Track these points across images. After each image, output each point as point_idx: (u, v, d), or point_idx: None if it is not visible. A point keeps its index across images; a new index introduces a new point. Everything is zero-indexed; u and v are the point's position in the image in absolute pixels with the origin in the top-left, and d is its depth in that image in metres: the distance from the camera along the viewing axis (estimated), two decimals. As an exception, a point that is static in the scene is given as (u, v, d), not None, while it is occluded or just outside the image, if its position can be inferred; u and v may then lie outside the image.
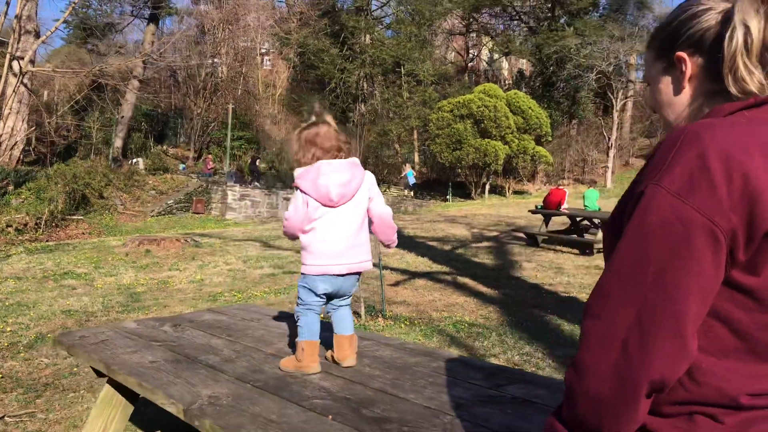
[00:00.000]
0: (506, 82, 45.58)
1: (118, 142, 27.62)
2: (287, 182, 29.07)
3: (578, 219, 12.93)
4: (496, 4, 40.95)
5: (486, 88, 30.53)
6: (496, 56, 47.56)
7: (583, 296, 7.79)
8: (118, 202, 21.25)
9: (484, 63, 50.49)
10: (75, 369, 5.01)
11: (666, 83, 1.14)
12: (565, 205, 13.19)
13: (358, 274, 2.42)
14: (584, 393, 0.99)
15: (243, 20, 35.46)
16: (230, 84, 35.32)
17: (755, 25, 1.00)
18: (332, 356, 2.41)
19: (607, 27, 35.69)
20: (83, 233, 18.21)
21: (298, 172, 2.37)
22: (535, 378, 2.15)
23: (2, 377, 4.81)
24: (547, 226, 13.11)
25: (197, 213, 21.72)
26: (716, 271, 0.94)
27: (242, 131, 33.20)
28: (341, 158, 2.38)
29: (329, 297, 2.41)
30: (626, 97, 38.60)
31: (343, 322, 2.42)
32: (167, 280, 9.26)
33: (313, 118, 2.44)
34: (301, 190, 2.33)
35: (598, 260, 10.64)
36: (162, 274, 9.82)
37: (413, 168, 32.67)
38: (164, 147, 32.50)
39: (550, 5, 39.81)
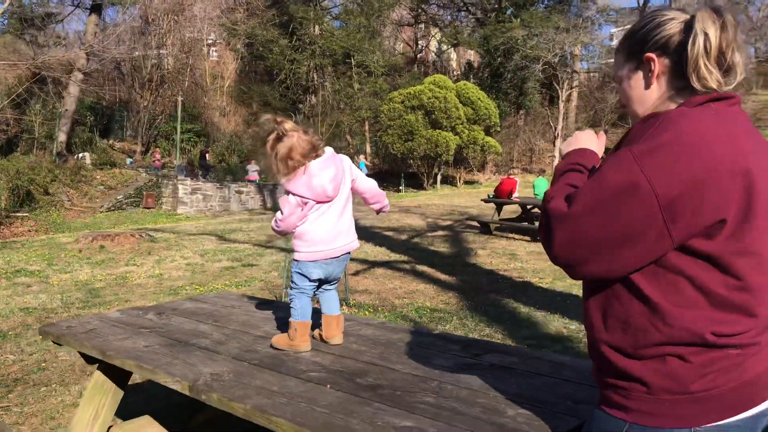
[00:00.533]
0: (455, 73, 46.10)
1: (62, 137, 26.82)
2: (238, 175, 28.80)
3: (529, 207, 13.33)
4: (444, -5, 41.41)
5: (436, 80, 30.87)
6: (444, 47, 48.04)
7: (536, 280, 8.12)
8: (65, 198, 20.73)
9: (433, 54, 50.93)
10: (43, 364, 5.02)
11: (636, 80, 1.35)
12: (516, 194, 13.59)
13: (348, 254, 2.58)
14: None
15: (189, 11, 34.82)
16: (177, 76, 34.68)
17: (713, 33, 1.22)
18: (320, 335, 2.57)
19: (553, 18, 36.48)
20: (29, 230, 17.75)
21: (285, 179, 2.48)
22: (507, 348, 2.36)
23: (-32, 375, 4.79)
24: (499, 214, 13.49)
25: (148, 208, 21.37)
26: (647, 224, 1.15)
27: (191, 124, 32.68)
28: (321, 155, 2.52)
29: (320, 282, 2.57)
30: (571, 88, 39.60)
31: (331, 303, 2.59)
32: (125, 276, 9.20)
33: (273, 133, 2.50)
34: (297, 195, 2.45)
35: (549, 246, 11.05)
36: (119, 270, 9.73)
37: (366, 159, 32.83)
38: (110, 141, 31.74)
39: (497, -3, 40.45)
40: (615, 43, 44.99)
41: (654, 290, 1.20)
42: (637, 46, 1.35)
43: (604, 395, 1.32)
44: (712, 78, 1.24)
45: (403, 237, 12.66)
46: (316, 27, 36.20)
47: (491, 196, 14.10)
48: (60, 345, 2.87)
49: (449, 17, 46.31)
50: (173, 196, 21.63)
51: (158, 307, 3.30)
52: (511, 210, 15.59)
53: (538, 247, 11.10)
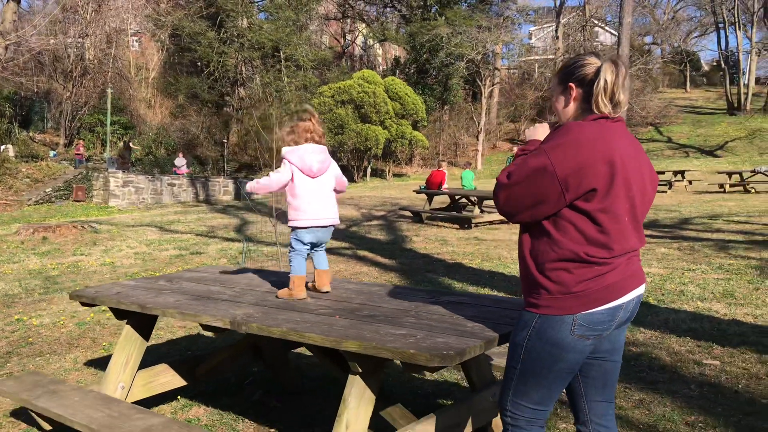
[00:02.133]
0: (381, 68, 47.03)
1: (-21, 128, 26.03)
2: (166, 168, 28.66)
3: (457, 197, 14.32)
4: (371, -9, 42.16)
5: (365, 75, 31.64)
6: (370, 42, 48.87)
7: (467, 261, 9.03)
8: (-11, 191, 20.27)
9: (359, 49, 51.65)
10: (29, 339, 5.47)
11: (561, 99, 2.17)
12: (445, 185, 14.55)
13: (333, 226, 3.33)
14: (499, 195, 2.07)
15: (113, 1, 34.10)
16: (100, 66, 33.94)
17: (609, 79, 2.03)
18: (313, 285, 3.31)
19: (476, 17, 37.95)
20: (-46, 224, 17.34)
21: (286, 149, 3.24)
22: (460, 293, 3.14)
23: (-41, 351, 5.19)
24: (430, 204, 14.42)
25: (78, 201, 21.16)
26: (551, 196, 1.97)
27: (116, 116, 32.15)
28: (321, 144, 3.30)
29: (312, 245, 3.31)
30: (493, 84, 41.28)
31: (321, 260, 3.34)
32: (77, 264, 9.51)
33: (305, 114, 3.30)
34: (291, 162, 3.19)
35: (476, 233, 12.01)
36: (68, 259, 10.00)
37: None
38: (31, 133, 30.85)
39: (422, -6, 41.57)
40: (533, 41, 46.85)
41: (554, 230, 2.02)
42: (566, 76, 2.16)
43: (526, 300, 2.13)
44: (605, 108, 2.06)
45: (341, 226, 13.38)
46: (245, 20, 36.22)
47: (422, 188, 15.02)
48: (91, 306, 3.46)
49: (375, 13, 47.17)
50: (104, 189, 21.49)
51: (165, 276, 3.90)
52: (440, 200, 16.58)
53: (465, 233, 12.07)
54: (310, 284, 3.34)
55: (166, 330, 5.61)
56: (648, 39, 54.27)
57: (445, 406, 2.83)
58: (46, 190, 20.90)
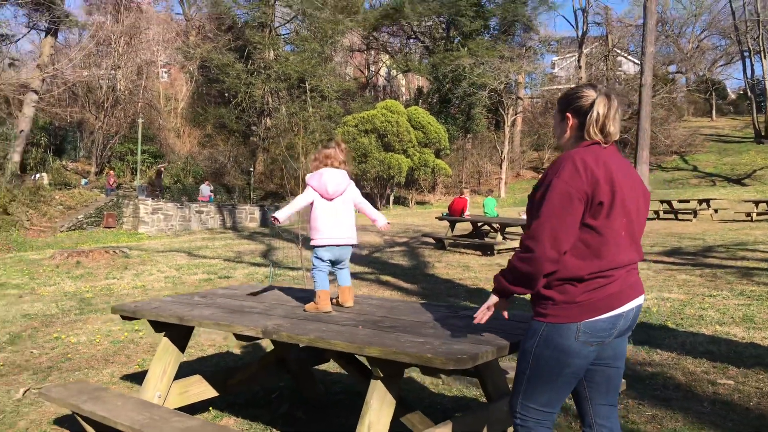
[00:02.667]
0: (404, 98, 47.66)
1: (15, 157, 26.84)
2: (193, 196, 29.26)
3: (479, 224, 14.48)
4: (394, 23, 42.95)
5: (388, 104, 32.13)
6: (394, 73, 49.61)
7: (489, 286, 9.17)
8: (25, 217, 20.91)
9: (383, 79, 52.43)
10: (68, 356, 5.74)
11: (561, 127, 2.38)
12: (467, 212, 14.74)
13: (350, 246, 3.57)
14: (521, 270, 2.20)
15: (144, 34, 35.24)
16: (131, 97, 34.95)
17: (602, 111, 2.25)
18: (337, 301, 3.53)
19: (498, 48, 38.43)
20: (-9, 250, 17.92)
21: (309, 175, 3.52)
22: (477, 309, 3.33)
23: (2, 365, 5.47)
24: (452, 231, 14.60)
25: (108, 227, 21.71)
26: (580, 214, 2.16)
27: (146, 145, 32.98)
28: (341, 168, 3.56)
29: (332, 262, 3.55)
30: (516, 113, 41.56)
31: (344, 278, 3.57)
32: (110, 287, 9.83)
33: (331, 143, 3.58)
34: (311, 186, 3.49)
35: (499, 259, 12.14)
36: (101, 283, 10.35)
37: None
38: (63, 162, 31.76)
39: (445, 26, 42.25)
40: (556, 70, 47.11)
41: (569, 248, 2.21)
42: (565, 105, 2.38)
43: (534, 311, 2.32)
44: (596, 136, 2.27)
45: (364, 252, 13.60)
46: (271, 52, 37.12)
47: (445, 215, 15.21)
48: (131, 319, 3.71)
49: (399, 44, 47.98)
50: (134, 216, 22.03)
51: (199, 293, 4.15)
52: (462, 227, 16.74)
53: (488, 260, 12.20)
54: (334, 300, 3.56)
55: (197, 348, 5.85)
56: (672, 68, 54.26)
57: (462, 414, 3.00)
58: (78, 217, 21.50)
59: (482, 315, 2.43)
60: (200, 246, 16.20)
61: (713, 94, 51.76)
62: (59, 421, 4.06)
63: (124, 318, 3.78)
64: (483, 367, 3.05)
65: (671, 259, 10.94)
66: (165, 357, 3.59)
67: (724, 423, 3.56)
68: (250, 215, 26.40)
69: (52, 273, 11.28)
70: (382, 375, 2.56)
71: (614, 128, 2.27)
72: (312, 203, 3.53)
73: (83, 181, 28.91)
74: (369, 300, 3.74)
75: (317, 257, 3.52)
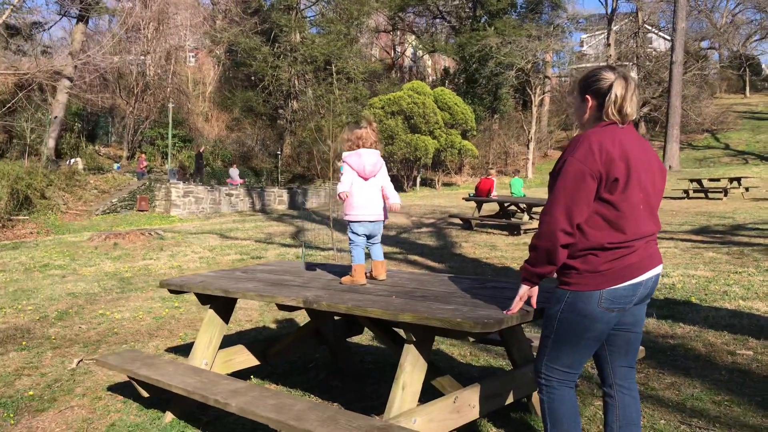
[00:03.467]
0: (431, 78, 47.51)
1: (50, 143, 27.53)
2: (222, 179, 29.70)
3: (506, 204, 14.58)
4: (420, 3, 42.72)
5: (414, 86, 32.14)
6: (420, 54, 49.44)
7: (515, 265, 9.32)
8: (61, 201, 21.52)
9: (409, 60, 52.27)
10: (115, 330, 6.08)
11: (580, 107, 2.53)
12: (494, 193, 14.84)
13: (382, 221, 3.77)
14: (540, 245, 2.37)
15: (172, 19, 35.63)
16: (160, 82, 35.46)
17: (620, 93, 2.40)
18: (371, 274, 3.75)
19: (525, 26, 38.06)
20: (31, 233, 18.54)
21: (346, 153, 3.72)
22: (503, 280, 3.51)
23: (54, 338, 5.82)
24: (479, 211, 14.72)
25: (141, 210, 22.24)
26: (593, 190, 2.33)
27: (176, 129, 33.50)
28: (374, 149, 3.75)
29: (367, 237, 3.76)
30: (543, 93, 41.18)
31: (377, 253, 3.78)
32: (147, 267, 10.21)
33: (363, 122, 3.78)
34: (349, 165, 3.68)
35: (526, 239, 12.25)
36: (138, 263, 10.73)
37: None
38: (96, 147, 32.44)
39: (471, 5, 41.91)
40: (585, 48, 46.30)
41: (584, 223, 2.38)
42: (584, 87, 2.53)
43: (559, 279, 2.49)
44: (615, 118, 2.42)
45: (392, 233, 13.82)
46: (297, 34, 37.27)
47: (471, 195, 15.33)
48: (179, 293, 3.98)
49: (425, 24, 47.75)
50: (166, 199, 22.52)
51: (240, 269, 4.40)
52: (488, 208, 16.84)
53: (514, 239, 12.33)
54: (368, 273, 3.77)
55: (235, 323, 6.13)
56: (705, 44, 53.12)
57: (489, 377, 3.21)
58: (113, 201, 22.05)
59: (516, 306, 2.60)
60: (231, 228, 16.58)
61: (747, 70, 50.62)
62: (112, 388, 4.37)
63: (171, 292, 4.04)
64: (508, 335, 3.25)
65: (699, 237, 10.96)
66: (211, 328, 3.85)
67: (741, 389, 3.71)
68: (278, 198, 26.77)
69: (92, 254, 11.71)
70: (414, 339, 2.77)
71: (631, 109, 2.42)
72: None
73: (115, 165, 29.52)
74: (400, 274, 3.95)
75: (354, 232, 3.73)
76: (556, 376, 2.51)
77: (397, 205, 3.86)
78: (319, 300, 3.08)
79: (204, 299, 3.86)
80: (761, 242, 10.11)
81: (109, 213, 21.63)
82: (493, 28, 37.61)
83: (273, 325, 6.06)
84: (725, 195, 19.79)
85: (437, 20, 46.27)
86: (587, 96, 2.50)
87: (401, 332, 4.05)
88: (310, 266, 4.42)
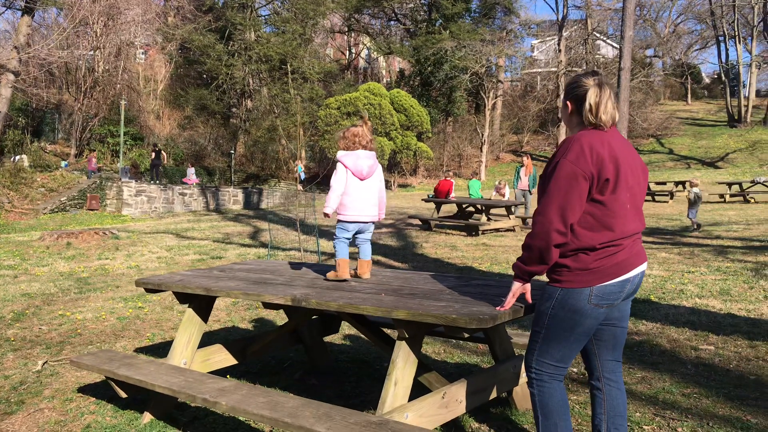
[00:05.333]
0: (386, 80, 47.67)
1: (-7, 139, 26.56)
2: (174, 178, 29.15)
3: (464, 206, 14.78)
4: (376, 5, 42.83)
5: (371, 87, 32.22)
6: (374, 55, 49.53)
7: (476, 264, 9.46)
8: (6, 199, 20.77)
9: (364, 61, 52.33)
10: (78, 331, 5.92)
11: (565, 112, 2.62)
12: (452, 194, 15.02)
13: (373, 222, 3.78)
14: (534, 244, 2.45)
15: (124, 14, 34.75)
16: (109, 79, 34.53)
17: (593, 101, 2.49)
18: (355, 272, 3.76)
19: (479, 31, 38.60)
20: (-27, 232, 17.81)
21: (341, 153, 3.70)
22: (486, 278, 3.59)
23: (13, 340, 5.63)
24: (438, 212, 14.88)
25: (92, 209, 21.65)
26: (586, 191, 2.42)
27: (126, 127, 32.70)
28: (370, 149, 3.76)
29: (354, 236, 3.77)
30: (496, 97, 41.84)
31: (365, 251, 3.78)
32: (104, 267, 9.96)
33: (359, 121, 3.78)
34: (345, 165, 3.65)
35: (484, 239, 12.45)
36: (94, 263, 10.46)
37: (302, 163, 33.78)
38: (42, 144, 31.40)
39: (427, 8, 42.25)
40: (536, 54, 47.28)
41: (575, 223, 2.47)
42: (567, 93, 2.62)
43: (549, 277, 2.57)
44: (591, 121, 2.52)
45: (352, 233, 13.84)
46: (252, 33, 36.88)
47: (431, 196, 15.47)
48: (156, 292, 3.91)
49: (379, 27, 47.87)
50: (118, 198, 21.98)
51: (217, 268, 4.36)
52: (446, 209, 17.04)
53: (473, 240, 12.51)
54: (351, 272, 3.79)
55: (203, 323, 6.04)
56: (649, 52, 54.89)
57: (474, 373, 3.27)
58: (61, 200, 21.39)
59: (508, 302, 2.67)
60: (187, 228, 16.31)
61: (689, 78, 52.56)
62: (82, 390, 4.26)
63: (148, 291, 3.98)
64: (492, 331, 3.32)
65: (651, 239, 11.34)
66: (190, 327, 3.81)
67: (708, 382, 3.88)
68: (233, 197, 26.44)
69: (44, 254, 11.35)
70: (407, 336, 2.81)
71: (605, 116, 2.51)
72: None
73: (63, 163, 28.63)
74: (383, 271, 3.99)
75: (343, 229, 3.73)
76: (546, 370, 2.58)
77: (380, 218, 3.90)
78: (308, 298, 3.09)
79: (183, 298, 3.81)
80: (709, 243, 10.53)
81: (57, 212, 20.97)
82: (448, 31, 38.01)
83: (242, 325, 6.00)
84: (671, 198, 20.53)
85: (392, 22, 46.47)
86: (568, 102, 2.60)
87: (387, 330, 4.10)
88: (292, 265, 4.41)
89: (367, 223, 3.74)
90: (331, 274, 3.68)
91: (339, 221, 3.73)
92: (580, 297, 2.47)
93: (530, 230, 2.50)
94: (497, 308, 2.69)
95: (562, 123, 40.89)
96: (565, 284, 2.49)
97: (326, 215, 3.69)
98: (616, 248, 2.47)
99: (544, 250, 2.45)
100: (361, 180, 3.68)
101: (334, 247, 3.75)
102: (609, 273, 2.46)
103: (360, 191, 3.68)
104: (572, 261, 2.48)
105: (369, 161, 3.71)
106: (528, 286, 2.65)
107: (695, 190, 12.62)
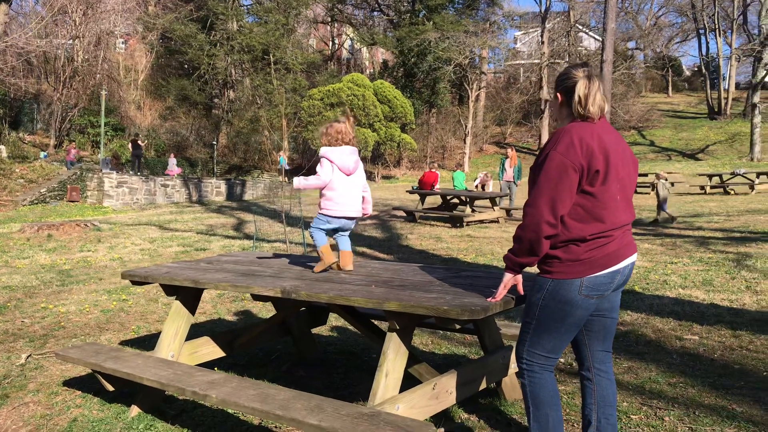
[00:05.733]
0: (369, 71, 47.52)
1: (-30, 129, 26.10)
2: (156, 169, 28.88)
3: (449, 197, 14.80)
4: (359, -4, 42.65)
5: (354, 78, 32.09)
6: (357, 46, 49.34)
7: (462, 256, 9.49)
8: (-16, 191, 20.44)
9: (347, 52, 52.11)
10: (61, 324, 5.85)
11: (554, 104, 2.62)
12: (437, 186, 15.04)
13: (356, 218, 3.78)
14: (524, 236, 2.45)
15: (104, 3, 34.24)
16: (89, 68, 34.03)
17: (582, 93, 2.49)
18: (338, 265, 3.75)
19: (462, 22, 38.57)
20: (-49, 224, 17.52)
21: (326, 149, 3.68)
22: (476, 270, 3.59)
23: (-4, 334, 5.56)
24: (423, 204, 14.89)
25: (72, 201, 21.39)
26: (576, 183, 2.42)
27: (106, 117, 32.29)
28: (353, 145, 3.75)
29: (335, 230, 3.76)
30: (480, 88, 41.92)
31: (345, 243, 3.77)
32: (87, 260, 9.85)
33: (342, 117, 3.76)
34: (331, 161, 3.63)
35: (469, 231, 12.49)
36: (76, 255, 10.34)
37: (285, 155, 33.61)
38: (20, 134, 30.90)
39: (410, -1, 42.13)
40: (519, 46, 47.35)
41: (566, 215, 2.47)
42: (557, 85, 2.62)
43: (540, 268, 2.58)
44: (580, 113, 2.52)
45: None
46: (234, 23, 36.54)
47: (415, 188, 15.47)
48: (142, 284, 3.88)
49: (363, 17, 47.67)
50: (99, 189, 21.73)
51: (203, 260, 4.32)
52: (431, 200, 17.06)
53: (458, 231, 12.54)
54: (335, 265, 3.77)
55: (189, 315, 6.00)
56: (631, 44, 55.23)
57: (464, 364, 3.28)
58: (41, 191, 21.10)
59: (500, 293, 2.67)
60: (170, 219, 16.18)
61: (669, 70, 52.98)
62: (68, 383, 4.22)
63: (134, 283, 3.94)
64: (482, 322, 3.33)
65: (633, 230, 11.44)
66: (177, 319, 3.78)
67: (693, 372, 3.93)
68: (216, 189, 26.26)
69: (24, 246, 11.20)
70: (398, 327, 2.81)
71: (594, 108, 2.52)
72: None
73: (42, 154, 28.21)
74: (371, 263, 3.98)
75: (325, 221, 3.70)
76: (537, 360, 2.59)
77: (369, 212, 3.91)
78: (298, 290, 3.07)
79: (170, 290, 3.78)
80: (690, 234, 10.65)
81: (37, 203, 20.69)
82: (431, 22, 37.95)
83: (228, 317, 5.97)
84: (653, 189, 20.70)
85: (376, 13, 46.30)
86: (558, 93, 2.60)
87: (376, 322, 4.09)
88: (277, 257, 4.39)
89: (352, 219, 3.74)
90: (318, 267, 3.66)
91: (323, 215, 3.71)
92: (570, 288, 2.48)
93: (519, 222, 2.51)
94: (489, 299, 2.69)
95: (545, 115, 41.27)
96: (556, 275, 2.50)
97: (295, 187, 3.73)
98: (606, 239, 2.48)
99: (535, 242, 2.46)
100: (348, 176, 3.68)
101: (312, 236, 3.74)
102: (600, 264, 2.48)
103: (347, 187, 3.69)
104: (563, 252, 2.49)
105: (354, 156, 3.74)
106: (519, 277, 2.66)
107: (663, 182, 12.77)
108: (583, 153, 2.42)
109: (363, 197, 3.86)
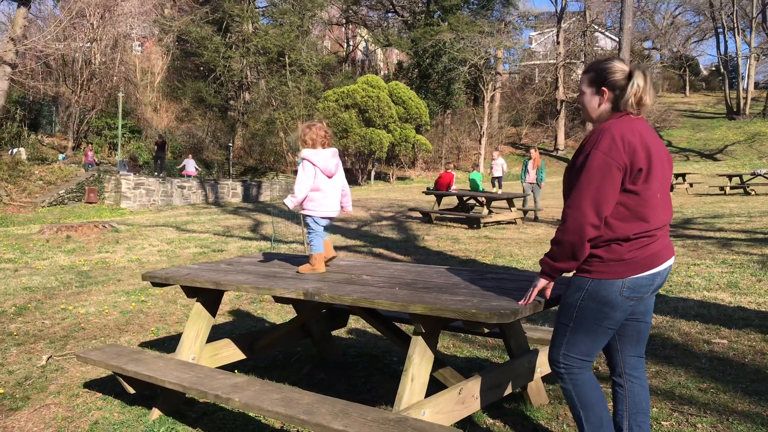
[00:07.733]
0: (383, 72, 47.49)
1: (-10, 132, 26.37)
2: (172, 171, 28.99)
3: (465, 198, 14.72)
4: (374, -3, 42.64)
5: (369, 79, 32.07)
6: (372, 47, 49.33)
7: (480, 258, 9.41)
8: (3, 192, 20.64)
9: (361, 53, 52.13)
10: (81, 325, 5.85)
11: (594, 100, 2.54)
12: (453, 186, 14.96)
13: (336, 217, 3.89)
14: (565, 239, 2.38)
15: (120, 6, 34.50)
16: (106, 71, 34.28)
17: (641, 84, 2.42)
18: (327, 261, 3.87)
19: (477, 23, 38.43)
20: (-29, 225, 17.70)
21: (308, 152, 3.71)
22: (501, 272, 3.53)
23: (16, 334, 5.57)
24: (439, 205, 14.82)
25: (90, 202, 21.54)
26: (619, 182, 2.35)
27: (123, 119, 32.49)
28: (332, 147, 3.82)
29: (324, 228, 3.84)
30: (495, 89, 41.73)
31: (326, 236, 3.86)
32: (105, 261, 9.89)
33: (317, 123, 3.84)
34: (313, 164, 3.69)
35: (486, 232, 12.40)
36: (95, 256, 10.38)
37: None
38: (39, 136, 31.19)
39: (425, 0, 42.04)
40: (534, 46, 47.23)
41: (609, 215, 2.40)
42: (599, 79, 2.54)
43: (579, 268, 2.51)
44: (633, 109, 2.44)
45: (353, 226, 13.78)
46: (250, 25, 36.66)
47: (431, 189, 15.40)
48: (162, 286, 3.85)
49: (377, 18, 47.66)
50: (116, 191, 21.87)
51: (224, 261, 4.29)
52: (446, 201, 16.98)
53: (475, 232, 12.45)
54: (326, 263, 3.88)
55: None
56: (647, 44, 54.79)
57: (489, 368, 3.22)
58: (59, 192, 21.27)
59: (531, 296, 2.60)
60: (187, 221, 16.23)
61: (686, 70, 52.46)
62: (88, 385, 4.20)
63: (154, 285, 3.91)
64: (508, 326, 3.26)
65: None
66: (198, 321, 3.75)
67: (723, 377, 3.83)
68: (232, 190, 26.33)
69: (43, 247, 11.27)
70: (424, 331, 2.76)
71: (650, 100, 2.45)
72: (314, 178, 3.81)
73: (61, 156, 28.44)
74: (393, 265, 3.93)
75: (317, 224, 3.81)
76: (574, 364, 2.52)
77: (350, 211, 4.04)
78: (321, 292, 3.02)
79: (191, 292, 3.75)
80: (712, 235, 10.49)
81: (55, 205, 20.86)
82: (446, 23, 37.83)
83: (246, 319, 5.95)
84: (671, 190, 20.49)
85: (390, 14, 46.28)
86: (603, 88, 2.50)
87: (399, 325, 4.04)
88: (299, 258, 4.35)
89: (332, 218, 3.88)
90: (304, 268, 3.73)
91: (310, 217, 3.81)
92: (612, 288, 2.40)
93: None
94: (520, 302, 2.62)
95: (561, 115, 40.93)
96: (596, 275, 2.42)
97: (288, 208, 3.81)
98: (649, 239, 2.41)
99: (577, 246, 2.38)
100: (329, 178, 3.78)
101: (311, 242, 3.83)
102: (643, 264, 2.40)
103: (330, 188, 3.80)
104: (605, 252, 2.41)
105: (335, 159, 3.83)
106: (552, 283, 2.58)
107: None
108: (626, 151, 2.34)
109: (343, 193, 3.95)
